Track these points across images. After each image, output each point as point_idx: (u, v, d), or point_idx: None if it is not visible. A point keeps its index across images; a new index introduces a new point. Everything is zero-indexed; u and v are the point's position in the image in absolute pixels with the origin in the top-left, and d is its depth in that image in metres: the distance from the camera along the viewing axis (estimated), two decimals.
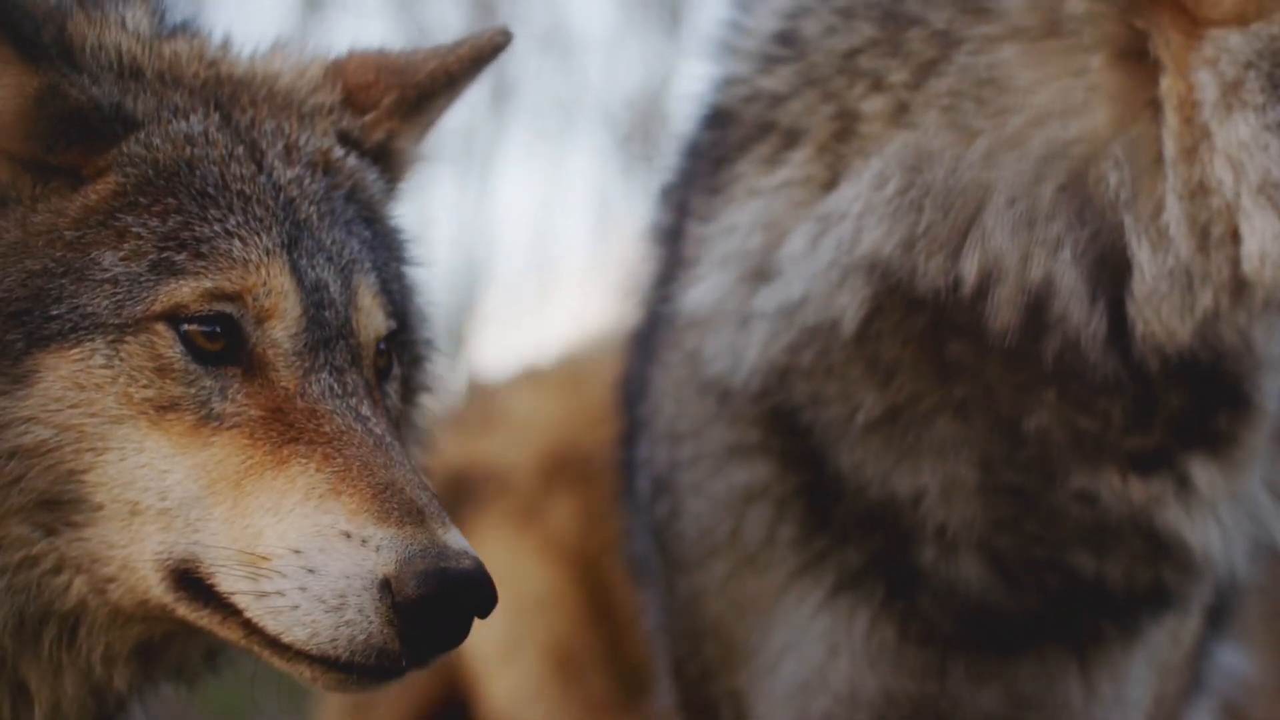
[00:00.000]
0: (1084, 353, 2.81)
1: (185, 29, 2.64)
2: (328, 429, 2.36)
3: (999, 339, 2.83)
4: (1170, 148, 2.76)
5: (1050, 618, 3.00)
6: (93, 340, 2.34)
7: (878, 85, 2.91)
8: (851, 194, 2.89)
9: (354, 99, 2.70)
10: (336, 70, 2.71)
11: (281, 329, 2.42)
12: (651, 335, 3.34)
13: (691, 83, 3.34)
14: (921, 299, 2.87)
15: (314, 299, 2.45)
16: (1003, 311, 2.81)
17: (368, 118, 2.70)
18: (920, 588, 3.00)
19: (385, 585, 2.27)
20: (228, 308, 2.39)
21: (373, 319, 2.53)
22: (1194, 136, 2.75)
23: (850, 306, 2.89)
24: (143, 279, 2.36)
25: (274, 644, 2.32)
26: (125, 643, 2.45)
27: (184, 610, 2.36)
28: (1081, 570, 2.94)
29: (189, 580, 2.35)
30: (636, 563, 3.50)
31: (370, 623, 2.27)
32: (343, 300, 2.49)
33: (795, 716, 3.09)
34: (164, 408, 2.35)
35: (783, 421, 3.01)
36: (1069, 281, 2.79)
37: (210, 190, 2.44)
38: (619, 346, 3.69)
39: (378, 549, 2.28)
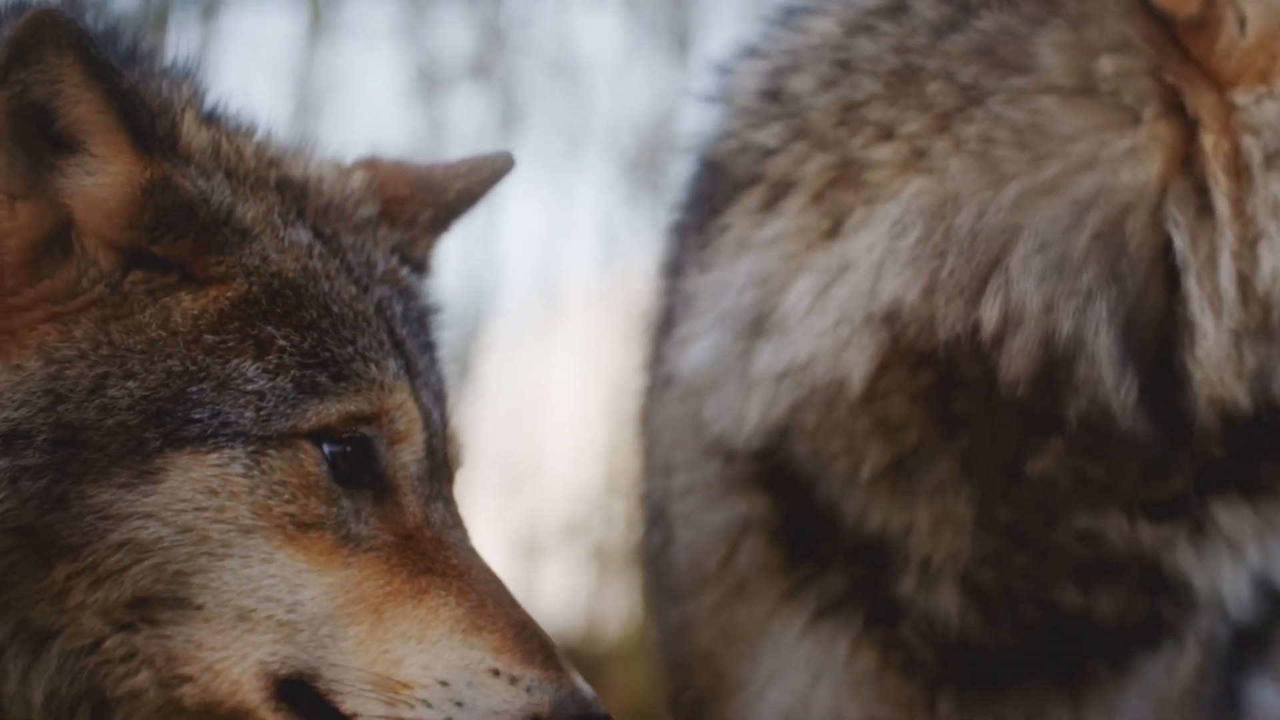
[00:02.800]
0: (1110, 412, 2.79)
1: (241, 124, 2.68)
2: (455, 561, 2.46)
3: (1009, 389, 2.79)
4: (1222, 206, 2.75)
5: (1031, 653, 3.01)
6: (233, 448, 2.38)
7: (887, 134, 2.92)
8: (866, 242, 2.89)
9: (389, 212, 2.80)
10: (375, 183, 2.79)
11: (409, 453, 2.51)
12: (654, 369, 3.34)
13: (690, 121, 3.38)
14: (931, 352, 2.85)
15: (429, 426, 2.54)
16: (1017, 360, 2.79)
17: (413, 235, 2.82)
18: (901, 617, 3.00)
19: None
20: (366, 430, 2.46)
21: (460, 451, 2.66)
22: (1241, 194, 2.75)
23: (859, 364, 2.88)
24: (288, 395, 2.41)
25: None
26: None
27: (276, 719, 2.41)
28: (1067, 605, 2.96)
29: (297, 692, 2.40)
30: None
31: None
32: (441, 429, 2.60)
33: None
34: (305, 525, 2.40)
35: (779, 470, 3.01)
36: (1102, 339, 2.77)
37: (333, 307, 2.50)
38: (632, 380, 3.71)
39: (528, 689, 2.38)
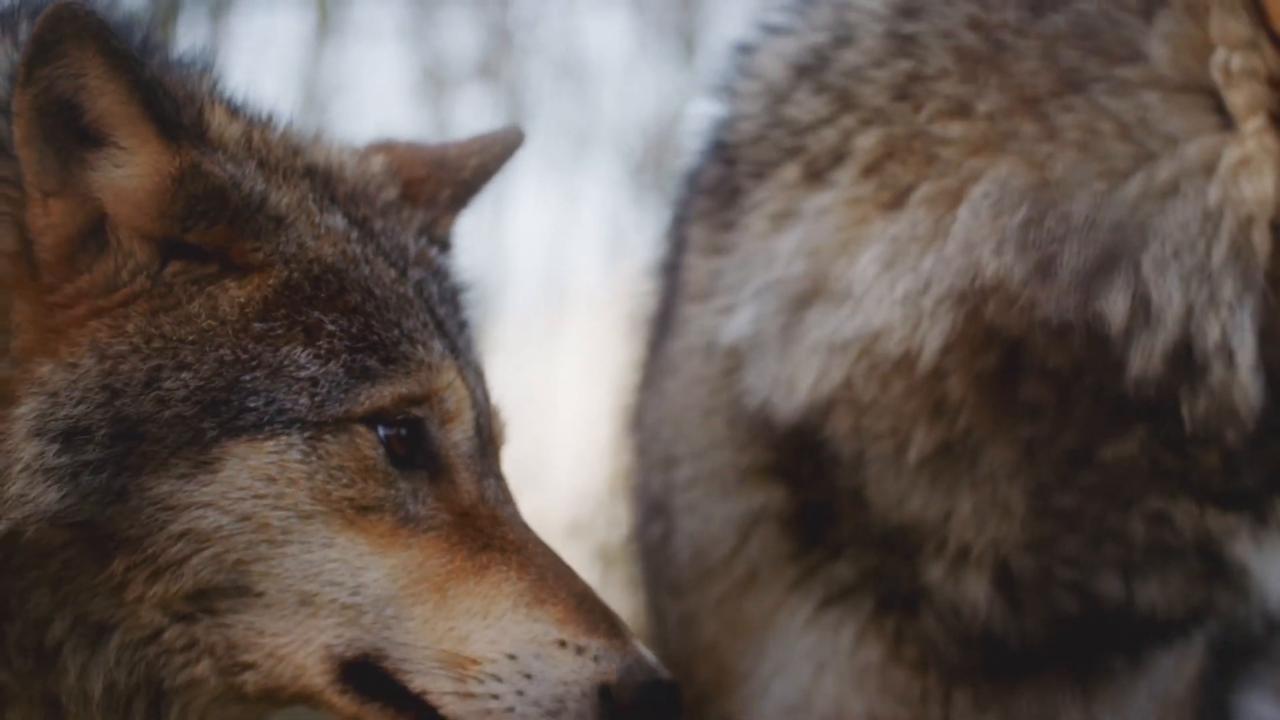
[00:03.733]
0: (1239, 416, 2.80)
1: (264, 115, 2.70)
2: (512, 536, 2.50)
3: (1135, 384, 2.79)
4: None
5: (1054, 645, 3.00)
6: (289, 435, 2.41)
7: (961, 112, 2.90)
8: (966, 216, 2.85)
9: (410, 193, 2.83)
10: (394, 166, 2.83)
11: (460, 432, 2.54)
12: (650, 366, 3.34)
13: (695, 119, 3.37)
14: (1005, 334, 2.84)
15: (476, 404, 2.57)
16: (1153, 358, 2.78)
17: (436, 214, 2.85)
18: (922, 606, 2.99)
19: (604, 692, 2.41)
20: (418, 411, 2.49)
21: (503, 427, 2.69)
22: None
23: (934, 339, 2.87)
24: (340, 380, 2.43)
25: None
26: None
27: (343, 701, 2.45)
28: (1107, 594, 2.95)
29: (363, 673, 2.43)
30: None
31: None
32: (486, 406, 2.63)
33: None
34: (365, 508, 2.43)
35: (805, 449, 3.00)
36: (1246, 348, 2.77)
37: (376, 291, 2.52)
38: (624, 377, 3.70)
39: (595, 659, 2.43)
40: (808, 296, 2.97)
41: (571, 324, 9.43)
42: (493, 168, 2.96)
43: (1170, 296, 2.78)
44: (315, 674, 2.43)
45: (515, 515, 2.55)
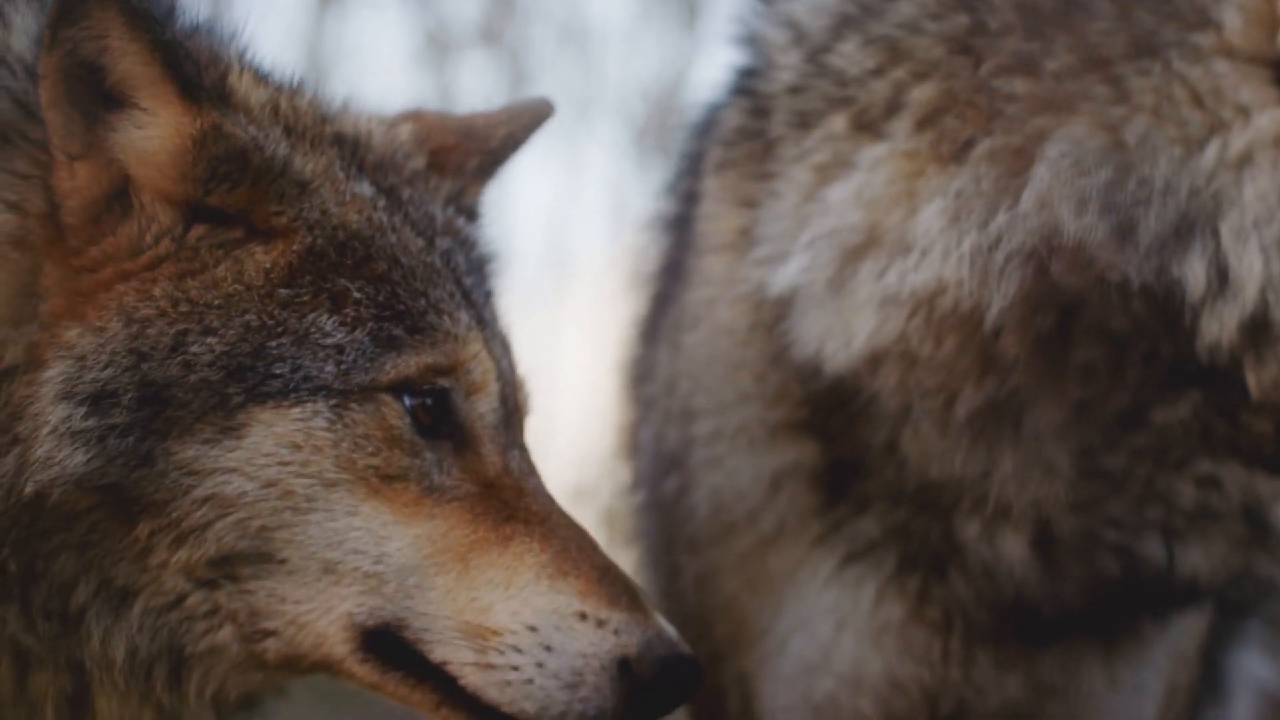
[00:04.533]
0: None
1: (290, 82, 2.69)
2: (536, 508, 2.49)
3: (1206, 351, 2.78)
4: None
5: (1086, 607, 2.99)
6: (315, 402, 2.39)
7: (1026, 69, 2.86)
8: (1043, 174, 2.82)
9: (437, 162, 2.81)
10: (422, 134, 2.81)
11: (485, 403, 2.53)
12: (657, 320, 3.32)
13: (715, 69, 3.33)
14: (1069, 294, 2.82)
15: (501, 375, 2.57)
16: (1228, 326, 2.77)
17: (463, 184, 2.83)
18: (953, 565, 2.98)
19: (624, 666, 2.41)
20: (444, 382, 2.48)
21: (527, 398, 2.68)
22: None
23: (1003, 296, 2.84)
24: (367, 349, 2.42)
25: (487, 714, 2.42)
26: (237, 689, 2.51)
27: (363, 670, 2.44)
28: (1148, 558, 2.93)
29: (384, 642, 2.43)
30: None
31: (605, 699, 2.41)
32: (511, 378, 2.62)
33: (799, 699, 3.08)
34: (390, 477, 2.42)
35: (841, 403, 2.98)
36: None
37: (402, 259, 2.51)
38: (625, 332, 3.69)
39: (615, 632, 2.42)
40: (862, 248, 2.93)
41: (575, 290, 9.44)
42: (521, 138, 2.95)
43: (1251, 266, 2.76)
44: (336, 642, 2.43)
45: (539, 487, 2.55)
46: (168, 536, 2.37)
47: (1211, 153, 2.78)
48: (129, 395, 2.34)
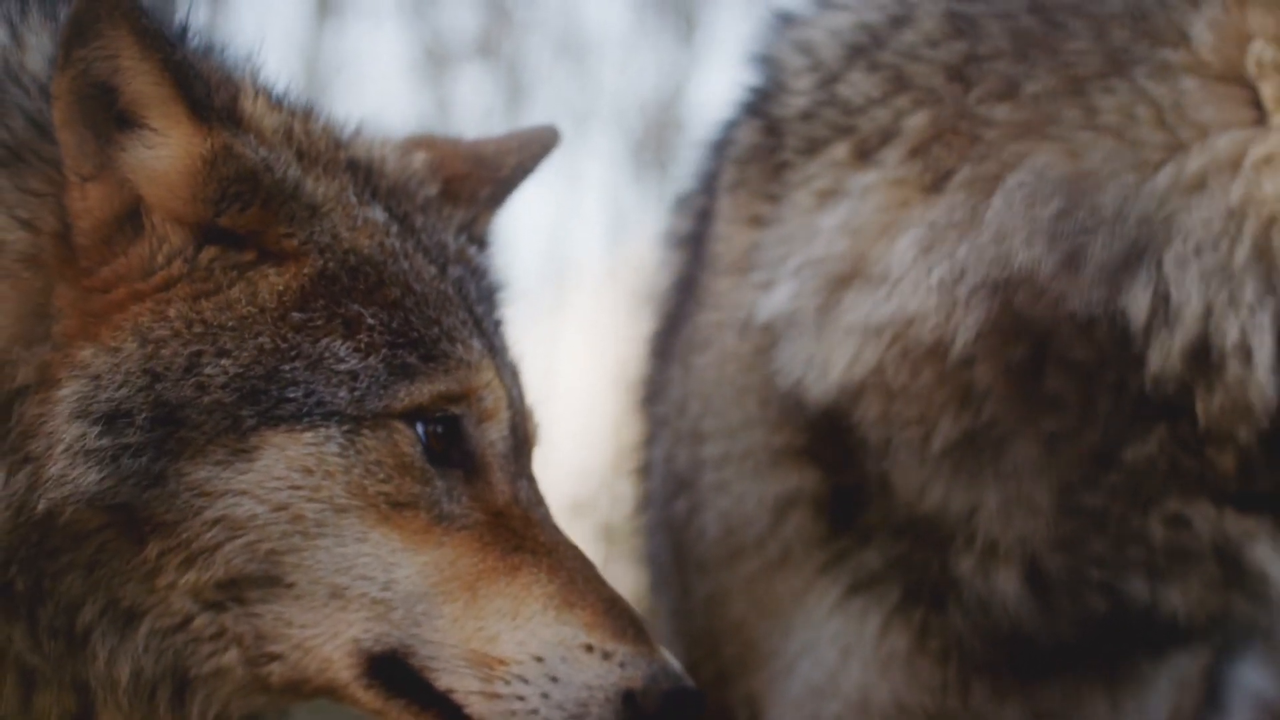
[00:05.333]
0: (1254, 413, 2.77)
1: (304, 106, 2.69)
2: (543, 539, 2.49)
3: (1153, 382, 2.78)
4: None
5: (1083, 644, 2.98)
6: (328, 427, 2.39)
7: (1008, 93, 2.87)
8: (999, 204, 2.83)
9: (450, 190, 2.82)
10: (435, 162, 2.82)
11: (496, 431, 2.53)
12: (670, 337, 3.31)
13: (711, 86, 3.32)
14: (1035, 326, 2.82)
15: (512, 404, 2.57)
16: (1172, 355, 2.76)
17: (475, 212, 2.84)
18: (950, 599, 2.97)
19: (628, 698, 2.41)
20: (456, 409, 2.48)
21: (536, 428, 2.67)
22: None
23: (968, 327, 2.84)
24: (380, 376, 2.43)
25: None
26: (239, 712, 2.51)
27: (368, 696, 2.44)
28: (1133, 596, 2.92)
29: (390, 669, 2.43)
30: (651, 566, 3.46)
31: None
32: (521, 407, 2.62)
33: None
34: (400, 504, 2.42)
35: (835, 433, 2.98)
36: (1265, 349, 2.73)
37: (415, 286, 2.51)
38: (636, 350, 3.68)
39: (621, 664, 2.42)
40: (847, 277, 2.94)
41: (573, 302, 9.44)
42: (530, 167, 2.96)
43: (1189, 295, 2.76)
44: (342, 668, 2.42)
45: (547, 517, 2.55)
46: (177, 557, 2.37)
47: (1165, 177, 2.77)
48: (143, 415, 2.34)
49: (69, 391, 2.34)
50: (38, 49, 2.50)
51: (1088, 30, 2.84)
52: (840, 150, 3.00)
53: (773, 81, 3.17)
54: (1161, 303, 2.76)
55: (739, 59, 3.27)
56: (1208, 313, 2.75)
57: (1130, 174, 2.78)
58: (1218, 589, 2.93)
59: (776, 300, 3.01)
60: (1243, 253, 2.74)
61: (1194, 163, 2.77)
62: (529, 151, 2.95)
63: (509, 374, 2.63)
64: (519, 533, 2.48)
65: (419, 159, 2.80)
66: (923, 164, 2.91)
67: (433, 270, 2.57)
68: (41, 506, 2.33)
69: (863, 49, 3.04)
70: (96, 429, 2.33)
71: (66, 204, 2.40)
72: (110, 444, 2.33)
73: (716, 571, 3.15)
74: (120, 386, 2.35)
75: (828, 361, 2.93)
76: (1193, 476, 2.85)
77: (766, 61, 3.21)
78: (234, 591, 2.39)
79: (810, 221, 2.99)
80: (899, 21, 3.02)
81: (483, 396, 2.51)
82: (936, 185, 2.89)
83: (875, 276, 2.92)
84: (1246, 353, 2.74)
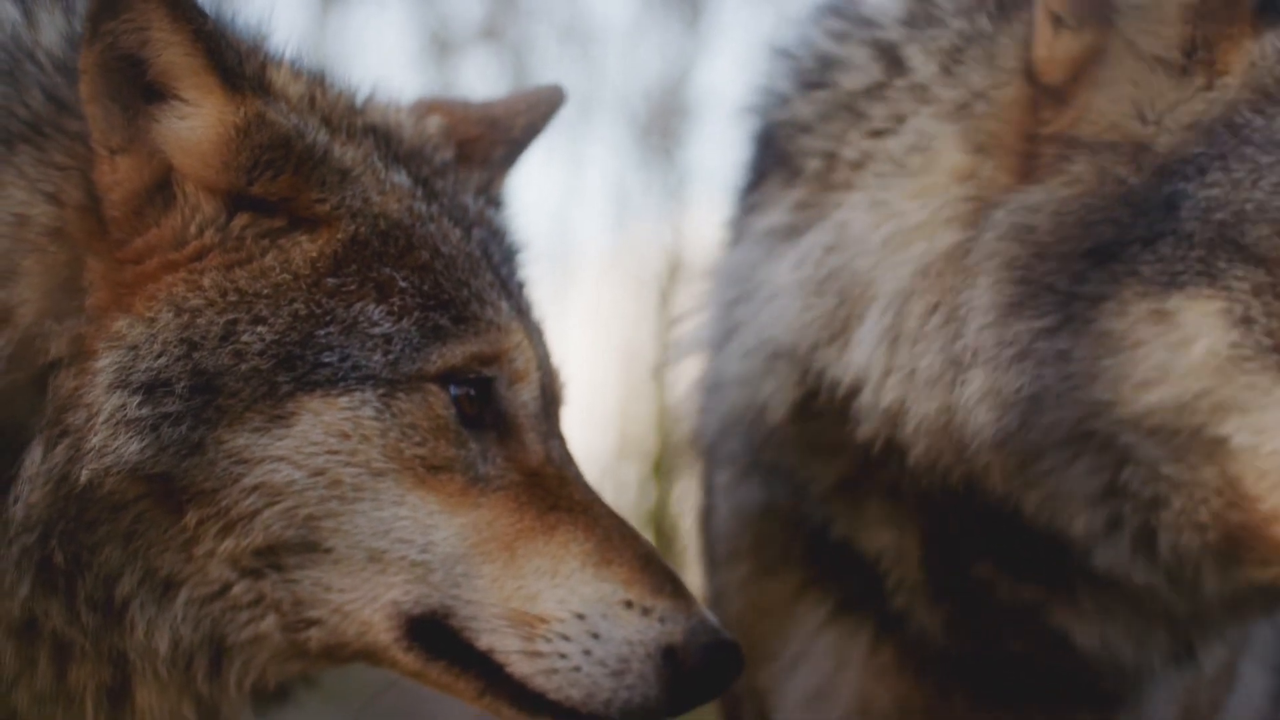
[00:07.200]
0: (897, 445, 2.76)
1: (322, 75, 2.70)
2: (578, 496, 2.52)
3: (860, 448, 2.79)
4: None
5: (1023, 677, 2.95)
6: (363, 391, 2.41)
7: (855, 132, 2.88)
8: (784, 267, 2.86)
9: (464, 152, 2.84)
10: (450, 126, 2.83)
11: (528, 392, 2.55)
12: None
13: (715, 72, 3.29)
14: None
15: (541, 364, 2.59)
16: (863, 425, 2.77)
17: (490, 174, 2.86)
18: (902, 628, 2.98)
19: (668, 653, 2.42)
20: (488, 371, 2.50)
21: (562, 387, 2.69)
22: None
23: (776, 393, 2.87)
24: (413, 338, 2.44)
25: (533, 701, 2.44)
26: (278, 678, 2.52)
27: (407, 658, 2.46)
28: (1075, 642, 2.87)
29: (429, 631, 2.44)
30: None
31: (650, 686, 2.42)
32: (549, 366, 2.64)
33: None
34: (436, 467, 2.43)
35: (774, 466, 3.01)
36: (978, 411, 2.67)
37: (443, 249, 2.53)
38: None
39: (661, 620, 2.44)
40: (730, 329, 2.99)
41: (577, 287, 9.44)
42: (540, 126, 2.98)
43: (869, 357, 2.77)
44: (381, 631, 2.44)
45: (579, 475, 2.57)
46: (215, 525, 2.38)
47: (884, 231, 2.74)
48: (182, 384, 2.36)
49: (107, 362, 2.35)
50: (51, 25, 2.52)
51: (909, 62, 2.82)
52: (774, 181, 2.99)
53: (770, 91, 3.10)
54: (855, 367, 2.76)
55: (744, 45, 3.22)
56: (885, 379, 2.74)
57: (869, 230, 2.78)
58: (1047, 651, 2.87)
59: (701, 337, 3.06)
60: (918, 308, 2.70)
61: (914, 216, 2.77)
62: (538, 111, 2.98)
63: (536, 335, 2.64)
64: (554, 492, 2.50)
65: (433, 123, 2.82)
66: (806, 209, 2.92)
67: (458, 233, 2.59)
68: (84, 478, 2.34)
69: (829, 63, 2.98)
70: (137, 399, 2.34)
71: (95, 177, 2.41)
72: (150, 413, 2.34)
73: (721, 570, 3.19)
74: (159, 356, 2.36)
75: (710, 410, 2.99)
76: (974, 540, 2.84)
77: (772, 63, 3.13)
78: (272, 558, 2.40)
79: (726, 262, 3.06)
80: (844, 38, 2.99)
81: (514, 358, 2.53)
82: (798, 232, 2.91)
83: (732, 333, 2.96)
84: (904, 414, 2.72)
